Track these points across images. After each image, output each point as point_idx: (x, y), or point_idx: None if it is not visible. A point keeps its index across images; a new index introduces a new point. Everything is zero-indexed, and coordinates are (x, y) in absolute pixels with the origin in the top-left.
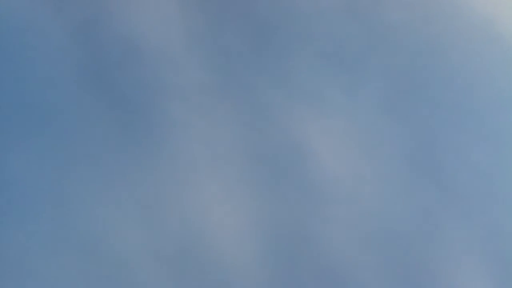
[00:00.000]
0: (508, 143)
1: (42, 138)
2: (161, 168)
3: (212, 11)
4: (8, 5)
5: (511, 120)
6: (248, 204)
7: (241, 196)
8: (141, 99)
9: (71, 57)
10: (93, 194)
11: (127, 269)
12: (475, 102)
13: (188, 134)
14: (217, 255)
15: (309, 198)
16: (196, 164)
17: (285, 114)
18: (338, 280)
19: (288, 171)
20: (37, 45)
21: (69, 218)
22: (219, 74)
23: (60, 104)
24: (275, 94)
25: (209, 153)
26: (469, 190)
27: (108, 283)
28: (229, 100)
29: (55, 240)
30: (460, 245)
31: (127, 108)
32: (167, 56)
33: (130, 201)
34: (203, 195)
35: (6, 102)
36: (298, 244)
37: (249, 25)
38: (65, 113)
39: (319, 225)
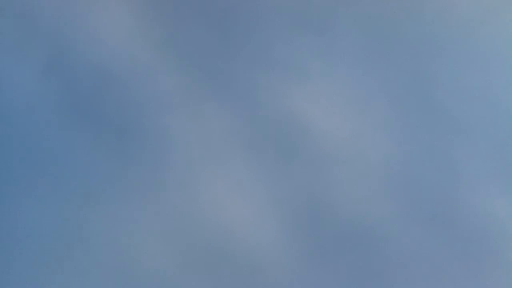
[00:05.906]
0: (502, 65)
1: (43, 178)
2: (168, 178)
3: (170, 12)
4: None
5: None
6: (259, 187)
7: (250, 181)
8: (128, 117)
9: (48, 95)
10: (110, 218)
11: (161, 282)
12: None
13: (184, 137)
14: (242, 244)
15: (317, 166)
16: (200, 164)
17: (270, 91)
18: (364, 237)
19: (288, 146)
20: (11, 89)
21: (92, 245)
22: (196, 70)
23: (52, 143)
24: (256, 74)
25: (209, 149)
26: (468, 116)
27: None
28: (213, 93)
29: (84, 266)
30: (474, 171)
31: (120, 129)
32: (141, 70)
33: (148, 216)
34: (215, 192)
35: None
36: (317, 212)
37: (213, 11)
38: (60, 151)
39: (334, 189)
